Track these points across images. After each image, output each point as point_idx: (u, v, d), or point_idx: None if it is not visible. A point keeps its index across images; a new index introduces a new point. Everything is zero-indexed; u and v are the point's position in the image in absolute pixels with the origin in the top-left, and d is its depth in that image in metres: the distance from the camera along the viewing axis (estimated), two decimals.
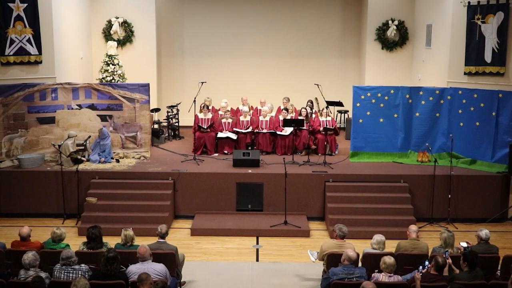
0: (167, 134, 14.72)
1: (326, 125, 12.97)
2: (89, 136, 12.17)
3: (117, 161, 12.19)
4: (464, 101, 12.11)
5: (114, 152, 12.40)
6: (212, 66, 16.59)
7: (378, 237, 7.62)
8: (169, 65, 16.74)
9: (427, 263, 6.83)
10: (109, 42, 15.03)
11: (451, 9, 12.74)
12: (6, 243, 7.83)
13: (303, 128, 12.94)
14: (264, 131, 13.13)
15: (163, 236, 7.79)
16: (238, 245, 10.20)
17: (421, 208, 11.28)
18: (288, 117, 13.13)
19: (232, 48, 16.73)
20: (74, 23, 14.17)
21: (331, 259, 7.42)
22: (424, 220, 11.14)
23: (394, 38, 15.66)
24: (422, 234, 10.20)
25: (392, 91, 12.46)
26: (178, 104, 15.23)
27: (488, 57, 11.99)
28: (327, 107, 13.69)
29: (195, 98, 12.83)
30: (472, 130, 12.03)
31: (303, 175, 11.45)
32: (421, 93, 12.44)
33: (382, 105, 12.43)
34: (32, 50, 12.18)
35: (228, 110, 13.54)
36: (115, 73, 14.68)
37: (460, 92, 12.16)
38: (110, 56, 14.75)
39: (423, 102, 12.42)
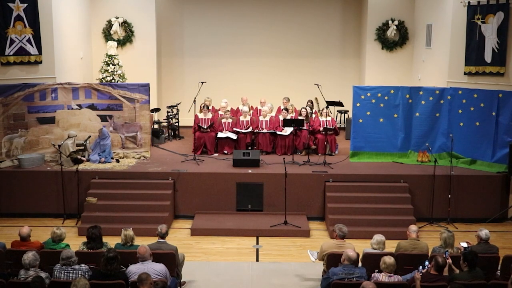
0: (167, 134, 14.73)
1: (326, 125, 12.97)
2: (89, 136, 12.18)
3: (117, 161, 12.19)
4: (464, 101, 12.11)
5: (114, 152, 12.40)
6: (212, 66, 16.60)
7: (378, 237, 7.62)
8: (169, 65, 16.75)
9: (427, 263, 6.83)
10: (109, 42, 15.03)
11: (451, 9, 12.74)
12: (6, 243, 7.82)
13: (303, 128, 12.94)
14: (264, 131, 13.13)
15: (163, 236, 7.79)
16: (238, 245, 10.20)
17: (421, 208, 11.28)
18: (288, 117, 13.13)
19: (232, 48, 16.73)
20: (74, 23, 14.17)
21: (331, 259, 7.42)
22: (424, 220, 11.14)
23: (394, 38, 15.66)
24: (422, 234, 10.20)
25: (392, 91, 12.46)
26: (178, 104, 15.23)
27: (488, 57, 11.99)
28: (327, 107, 13.69)
29: (195, 98, 12.83)
30: (472, 130, 12.03)
31: (303, 175, 11.45)
32: (421, 93, 12.44)
33: (382, 105, 12.44)
34: (32, 50, 12.18)
35: (228, 110, 13.54)
36: (115, 73, 14.68)
37: (460, 92, 12.16)
38: (110, 56, 14.75)
39: (423, 102, 12.42)
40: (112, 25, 15.47)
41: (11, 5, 11.82)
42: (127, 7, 15.58)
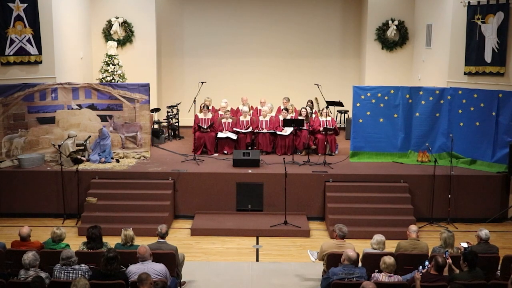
0: (167, 134, 14.73)
1: (326, 125, 12.97)
2: (89, 136, 12.18)
3: (117, 161, 12.19)
4: (464, 101, 12.11)
5: (114, 152, 12.40)
6: (212, 66, 16.60)
7: (378, 237, 7.62)
8: (169, 65, 16.75)
9: (427, 263, 6.83)
10: (109, 42, 15.03)
11: (451, 9, 12.74)
12: (6, 243, 7.83)
13: (303, 128, 12.94)
14: (264, 131, 13.13)
15: (163, 236, 7.79)
16: (238, 245, 10.20)
17: (421, 208, 11.28)
18: (288, 117, 13.13)
19: (232, 48, 16.73)
20: (74, 23, 14.17)
21: (331, 259, 7.42)
22: (424, 220, 11.14)
23: (394, 38, 15.66)
24: (422, 234, 10.20)
25: (392, 91, 12.46)
26: (178, 104, 15.23)
27: (488, 57, 11.99)
28: (327, 107, 13.69)
29: (195, 98, 12.83)
30: (472, 130, 12.03)
31: (303, 175, 11.45)
32: (421, 93, 12.44)
33: (382, 105, 12.44)
34: (32, 50, 12.18)
35: (228, 110, 13.54)
36: (115, 73, 14.68)
37: (460, 92, 12.16)
38: (110, 56, 14.75)
39: (423, 102, 12.42)
40: (112, 25, 15.47)
41: (11, 5, 11.82)
42: (127, 7, 15.58)
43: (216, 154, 12.99)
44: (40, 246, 7.60)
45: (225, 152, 12.99)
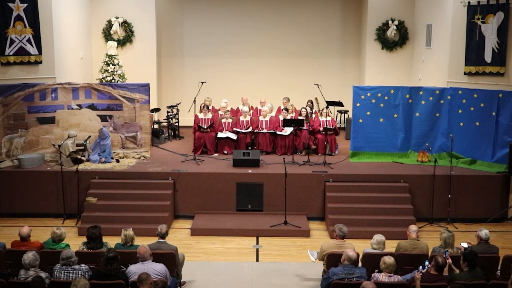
0: (167, 134, 14.73)
1: (326, 125, 12.97)
2: (89, 136, 12.18)
3: (117, 161, 12.19)
4: (464, 101, 12.11)
5: (114, 152, 12.40)
6: (212, 66, 16.60)
7: (378, 237, 7.62)
8: (169, 65, 16.75)
9: (427, 263, 6.83)
10: (109, 42, 15.03)
11: (451, 9, 12.74)
12: (6, 243, 7.82)
13: (303, 128, 12.94)
14: (264, 131, 13.13)
15: (163, 236, 7.79)
16: (238, 245, 10.20)
17: (421, 208, 11.28)
18: (288, 117, 13.13)
19: (232, 48, 16.73)
20: (74, 23, 14.17)
21: (331, 259, 7.42)
22: (424, 220, 11.14)
23: (394, 38, 15.66)
24: (422, 234, 10.20)
25: (392, 91, 12.46)
26: (178, 104, 15.23)
27: (488, 57, 11.99)
28: (327, 107, 13.69)
29: (195, 98, 12.83)
30: (472, 130, 12.03)
31: (303, 175, 11.44)
32: (421, 93, 12.44)
33: (382, 105, 12.44)
34: (32, 50, 12.18)
35: (228, 110, 13.54)
36: (115, 73, 14.68)
37: (460, 92, 12.16)
38: (110, 56, 14.75)
39: (423, 102, 12.42)
40: (112, 25, 15.47)
41: (11, 5, 11.82)
42: (127, 7, 15.58)
43: (216, 154, 12.99)
44: (40, 246, 7.60)
45: (225, 152, 12.99)
